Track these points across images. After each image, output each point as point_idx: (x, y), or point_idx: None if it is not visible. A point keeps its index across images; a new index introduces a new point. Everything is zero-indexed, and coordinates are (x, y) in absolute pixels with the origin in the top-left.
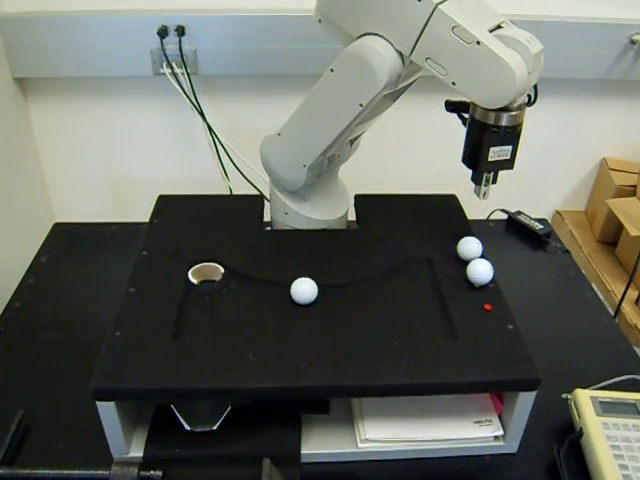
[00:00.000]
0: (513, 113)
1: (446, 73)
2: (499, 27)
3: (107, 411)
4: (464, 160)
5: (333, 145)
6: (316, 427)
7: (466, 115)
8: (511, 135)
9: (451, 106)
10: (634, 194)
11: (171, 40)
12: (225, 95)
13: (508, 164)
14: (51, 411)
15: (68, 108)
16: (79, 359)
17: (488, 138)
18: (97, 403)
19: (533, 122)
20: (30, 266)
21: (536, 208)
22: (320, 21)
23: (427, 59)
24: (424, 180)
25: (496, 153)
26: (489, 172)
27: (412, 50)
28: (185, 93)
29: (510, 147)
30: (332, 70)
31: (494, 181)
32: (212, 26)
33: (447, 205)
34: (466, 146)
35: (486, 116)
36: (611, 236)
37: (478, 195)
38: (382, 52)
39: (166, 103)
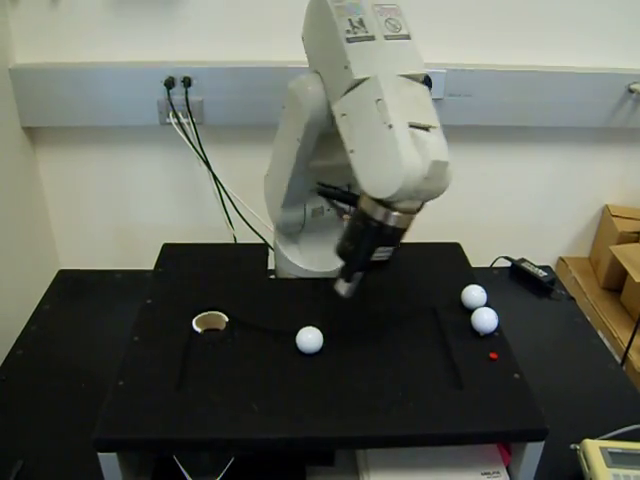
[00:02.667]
0: (406, 216)
1: (351, 138)
2: (425, 128)
3: (109, 462)
4: (340, 252)
5: (296, 184)
6: (321, 479)
7: (341, 204)
8: (398, 236)
9: (322, 189)
10: (637, 240)
11: (178, 91)
12: (230, 145)
13: (384, 265)
14: (51, 462)
15: (75, 157)
16: (81, 409)
17: (379, 237)
18: (99, 454)
19: (536, 170)
20: (33, 313)
21: (540, 255)
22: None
23: (343, 115)
24: (427, 228)
25: (380, 253)
26: (363, 271)
27: (337, 100)
28: (191, 143)
29: (392, 248)
30: (283, 107)
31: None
32: (218, 77)
33: (451, 253)
34: (347, 239)
35: (385, 215)
36: (615, 282)
37: (339, 291)
38: (310, 90)
39: (172, 152)
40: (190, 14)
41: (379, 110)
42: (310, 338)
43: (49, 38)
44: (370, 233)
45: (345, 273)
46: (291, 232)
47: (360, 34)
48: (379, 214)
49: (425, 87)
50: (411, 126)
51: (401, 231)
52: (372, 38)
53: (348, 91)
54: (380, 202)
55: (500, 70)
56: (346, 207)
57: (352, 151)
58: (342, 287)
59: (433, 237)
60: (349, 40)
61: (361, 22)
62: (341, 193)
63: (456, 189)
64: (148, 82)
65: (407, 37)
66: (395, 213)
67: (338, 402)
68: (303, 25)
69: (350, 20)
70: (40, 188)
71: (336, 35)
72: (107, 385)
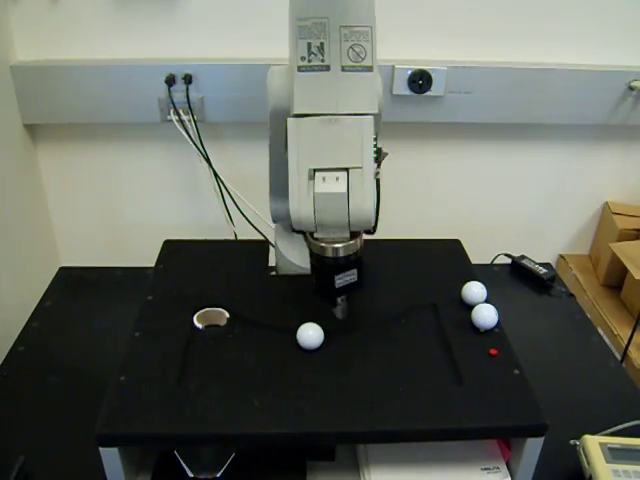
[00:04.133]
0: (340, 245)
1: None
2: (344, 169)
3: (110, 457)
4: (315, 290)
5: (277, 174)
6: (321, 474)
7: None
8: (352, 261)
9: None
10: (637, 237)
11: (178, 88)
12: (231, 142)
13: (357, 285)
14: (53, 457)
15: (76, 154)
16: (82, 404)
17: (330, 268)
18: (100, 449)
19: (536, 167)
20: (35, 310)
21: (540, 252)
22: None
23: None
24: (427, 225)
25: (342, 279)
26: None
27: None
28: (191, 139)
29: (354, 270)
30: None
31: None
32: (219, 74)
33: (451, 250)
34: (314, 278)
35: (323, 250)
36: (616, 280)
37: (336, 314)
38: (275, 84)
39: (173, 149)
40: (191, 11)
41: (286, 152)
42: (311, 334)
43: (50, 35)
44: (320, 268)
45: (329, 303)
46: (286, 224)
47: (315, 62)
48: (316, 249)
49: (367, 120)
50: (315, 170)
51: (347, 257)
52: (327, 68)
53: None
54: (315, 239)
55: (500, 67)
56: None
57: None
58: (336, 312)
59: (433, 234)
60: (300, 69)
61: (321, 48)
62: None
63: (456, 186)
64: (149, 79)
65: (368, 69)
66: (325, 245)
67: (338, 397)
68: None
69: (309, 44)
70: (41, 185)
71: (293, 56)
72: (108, 380)
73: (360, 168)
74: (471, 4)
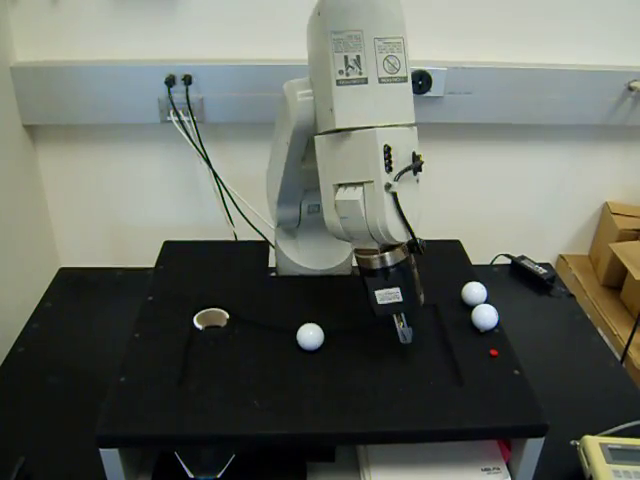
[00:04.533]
0: (375, 256)
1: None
2: (360, 184)
3: (110, 458)
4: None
5: (288, 183)
6: (321, 475)
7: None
8: (395, 277)
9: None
10: (637, 238)
11: (178, 89)
12: (231, 142)
13: (400, 306)
14: (53, 458)
15: (75, 154)
16: (82, 405)
17: (370, 282)
18: (100, 450)
19: (535, 167)
20: (35, 311)
21: (539, 253)
22: None
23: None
24: (427, 226)
25: (384, 296)
26: (388, 315)
27: (320, 129)
28: (191, 140)
29: (397, 289)
30: (279, 105)
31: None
32: (218, 75)
33: (451, 250)
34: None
35: (362, 261)
36: (615, 280)
37: (400, 337)
38: (299, 98)
39: (173, 150)
40: (191, 12)
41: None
42: (311, 335)
43: (50, 36)
44: (365, 280)
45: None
46: (289, 228)
47: (352, 76)
48: (360, 261)
49: (378, 132)
50: (340, 185)
51: (394, 268)
52: (365, 81)
53: (328, 132)
54: (357, 252)
55: (500, 68)
56: None
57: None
58: (399, 333)
59: (433, 234)
60: (339, 82)
61: (357, 60)
62: None
63: (456, 186)
64: (149, 80)
65: (404, 79)
66: (361, 256)
67: (339, 398)
68: (307, 26)
69: (346, 58)
70: (41, 186)
71: (329, 71)
72: (109, 381)
73: (371, 182)
74: (471, 5)
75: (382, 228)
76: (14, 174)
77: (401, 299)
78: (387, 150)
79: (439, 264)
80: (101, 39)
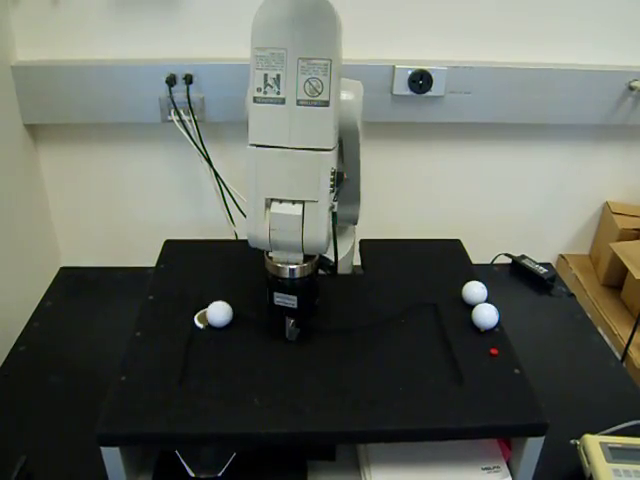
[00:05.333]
0: (284, 266)
1: None
2: (301, 202)
3: (111, 457)
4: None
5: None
6: (322, 473)
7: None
8: (292, 286)
9: None
10: (637, 237)
11: (179, 88)
12: (231, 142)
13: (298, 313)
14: (54, 457)
15: (77, 154)
16: (83, 404)
17: (273, 284)
18: (101, 448)
19: (536, 167)
20: (36, 310)
21: (540, 252)
22: None
23: None
24: (427, 225)
25: (281, 299)
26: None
27: None
28: (192, 140)
29: (295, 297)
30: None
31: (298, 325)
32: (219, 74)
33: (451, 250)
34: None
35: (272, 267)
36: (616, 280)
37: (287, 334)
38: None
39: (173, 150)
40: (192, 11)
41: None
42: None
43: (50, 35)
44: (268, 282)
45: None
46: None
47: (270, 95)
48: (266, 264)
49: (324, 155)
50: (272, 199)
51: (285, 279)
52: (282, 101)
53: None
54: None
55: (501, 67)
56: None
57: None
58: (287, 333)
59: (434, 234)
60: (256, 100)
61: (277, 80)
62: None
63: (456, 186)
64: (150, 79)
65: (325, 104)
66: (272, 263)
67: (339, 397)
68: None
69: (266, 75)
70: (42, 185)
71: (250, 86)
72: (110, 380)
73: (315, 202)
74: (471, 4)
75: (319, 243)
76: (15, 173)
77: (296, 306)
78: (333, 172)
79: (439, 263)
80: (102, 38)
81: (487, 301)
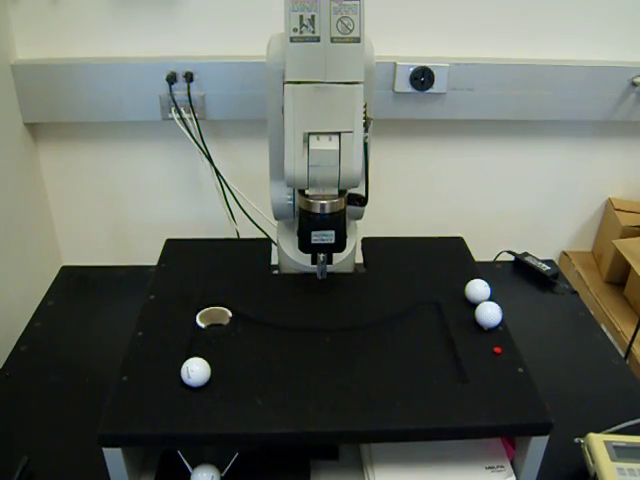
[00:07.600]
0: (323, 202)
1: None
2: (336, 133)
3: (113, 457)
4: (299, 247)
5: (276, 151)
6: (325, 473)
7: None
8: (329, 221)
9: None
10: None
11: (180, 86)
12: (232, 139)
13: (334, 247)
14: (56, 457)
15: (77, 152)
16: (85, 404)
17: (307, 223)
18: (103, 449)
19: (538, 164)
20: (37, 309)
21: (543, 249)
22: None
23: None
24: (430, 223)
25: (319, 237)
26: (317, 253)
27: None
28: (193, 137)
29: (332, 232)
30: None
31: (329, 262)
32: (220, 72)
33: (454, 248)
34: (297, 233)
35: (303, 203)
36: (619, 276)
37: (317, 274)
38: (272, 47)
39: (174, 147)
40: (192, 9)
41: (283, 116)
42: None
43: (50, 34)
44: (301, 220)
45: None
46: (289, 222)
47: (306, 34)
48: (303, 204)
49: (357, 88)
50: (309, 134)
51: (324, 215)
52: (317, 39)
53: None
54: (304, 195)
55: (502, 64)
56: None
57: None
58: (317, 270)
59: (436, 231)
60: (292, 39)
61: (312, 20)
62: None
63: (459, 183)
64: (150, 77)
65: (356, 40)
66: (311, 201)
67: (342, 396)
68: None
69: (301, 17)
70: (42, 184)
71: (286, 28)
72: (111, 380)
73: (351, 132)
74: (473, 1)
75: (354, 175)
76: (15, 172)
77: (334, 241)
78: (365, 105)
79: (442, 261)
80: (102, 36)
81: (490, 299)
